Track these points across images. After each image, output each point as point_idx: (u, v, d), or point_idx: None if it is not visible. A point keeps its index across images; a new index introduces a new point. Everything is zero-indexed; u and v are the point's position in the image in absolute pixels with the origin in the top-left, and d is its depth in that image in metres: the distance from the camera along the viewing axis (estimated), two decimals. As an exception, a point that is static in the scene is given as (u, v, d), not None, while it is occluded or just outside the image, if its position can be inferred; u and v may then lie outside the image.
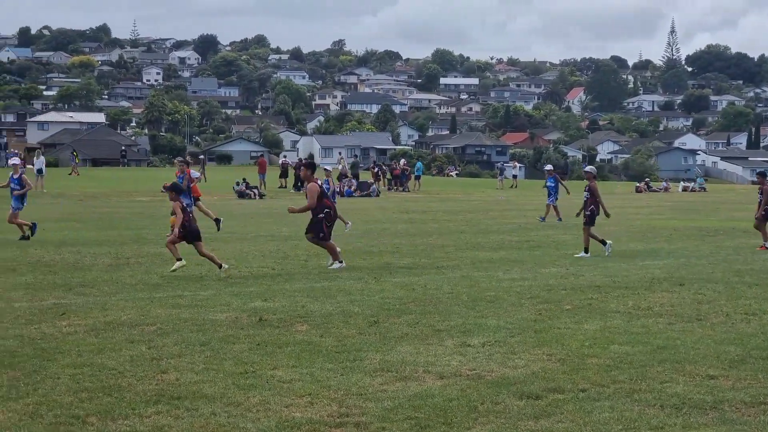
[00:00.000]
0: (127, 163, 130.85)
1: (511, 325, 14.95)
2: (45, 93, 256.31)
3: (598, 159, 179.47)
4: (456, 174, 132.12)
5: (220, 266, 21.26)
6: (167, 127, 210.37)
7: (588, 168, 27.75)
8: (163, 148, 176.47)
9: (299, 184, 68.40)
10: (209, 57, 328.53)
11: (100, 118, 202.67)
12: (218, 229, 31.34)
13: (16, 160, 30.43)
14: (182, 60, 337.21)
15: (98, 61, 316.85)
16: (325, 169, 35.80)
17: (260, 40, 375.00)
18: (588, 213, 26.42)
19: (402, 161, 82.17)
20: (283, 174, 73.12)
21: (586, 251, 25.93)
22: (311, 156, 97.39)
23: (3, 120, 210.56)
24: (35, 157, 66.86)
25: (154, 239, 29.53)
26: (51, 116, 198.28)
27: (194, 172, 34.50)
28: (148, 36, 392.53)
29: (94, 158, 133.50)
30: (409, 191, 72.35)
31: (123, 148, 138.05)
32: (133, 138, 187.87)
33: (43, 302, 17.11)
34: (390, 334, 14.22)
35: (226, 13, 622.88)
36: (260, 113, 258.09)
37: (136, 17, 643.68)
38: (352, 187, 65.59)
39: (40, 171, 62.73)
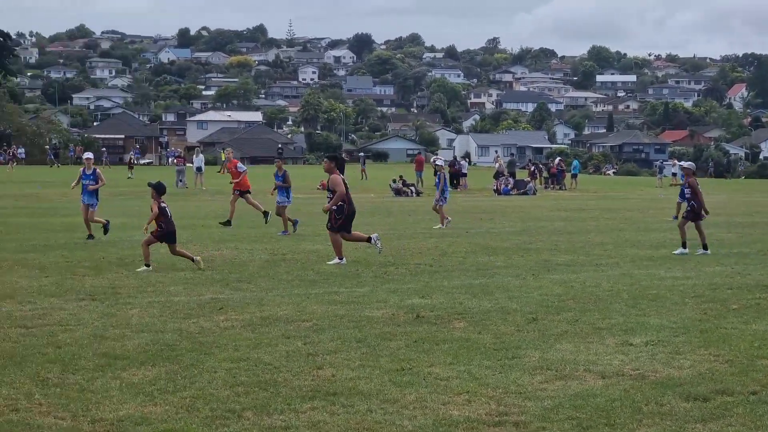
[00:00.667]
0: (285, 161, 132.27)
1: (674, 325, 14.49)
2: (204, 93, 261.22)
3: (761, 157, 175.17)
4: (613, 172, 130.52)
5: (193, 260, 21.35)
6: (323, 126, 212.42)
7: (686, 164, 26.93)
8: (318, 146, 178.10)
9: (454, 182, 68.29)
10: (364, 56, 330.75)
11: (257, 116, 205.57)
12: (266, 222, 32.40)
13: (89, 155, 29.55)
14: (337, 59, 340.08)
15: (255, 60, 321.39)
16: (436, 165, 35.61)
17: (414, 39, 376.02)
18: (689, 208, 25.75)
19: (558, 159, 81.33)
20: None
21: (684, 246, 25.30)
22: (459, 157, 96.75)
23: (164, 119, 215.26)
24: (194, 155, 67.92)
25: (310, 236, 29.61)
26: (210, 115, 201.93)
27: (241, 165, 34.93)
28: (304, 35, 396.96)
29: (252, 156, 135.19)
30: (565, 189, 71.57)
31: (279, 146, 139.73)
32: (289, 136, 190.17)
33: (201, 297, 17.21)
34: (549, 332, 13.91)
35: (381, 12, 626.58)
36: (415, 111, 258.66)
37: (292, 17, 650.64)
38: (509, 185, 65.11)
39: (199, 169, 63.78)
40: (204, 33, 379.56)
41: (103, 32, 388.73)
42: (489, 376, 11.26)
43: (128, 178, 74.14)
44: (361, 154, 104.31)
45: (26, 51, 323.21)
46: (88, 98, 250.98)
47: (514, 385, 10.86)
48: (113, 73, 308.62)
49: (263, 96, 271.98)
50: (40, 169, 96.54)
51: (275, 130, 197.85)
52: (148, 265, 20.97)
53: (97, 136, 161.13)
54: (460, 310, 15.86)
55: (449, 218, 33.98)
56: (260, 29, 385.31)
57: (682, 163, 28.92)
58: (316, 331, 13.99)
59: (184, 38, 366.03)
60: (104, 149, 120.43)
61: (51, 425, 9.15)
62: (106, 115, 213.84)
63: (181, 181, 64.05)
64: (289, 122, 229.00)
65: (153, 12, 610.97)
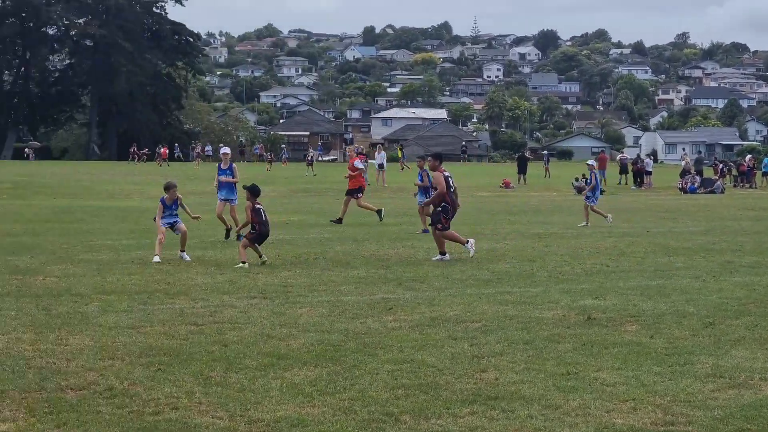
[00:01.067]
0: (468, 158, 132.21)
1: None
2: (389, 90, 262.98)
3: None
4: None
5: (260, 256, 21.55)
6: (507, 123, 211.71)
7: None
8: (503, 144, 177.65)
9: (638, 180, 67.16)
10: (549, 52, 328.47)
11: (441, 114, 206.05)
12: (380, 219, 32.57)
13: (226, 150, 28.75)
14: (522, 56, 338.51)
15: (440, 58, 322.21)
16: (588, 164, 35.18)
17: (601, 35, 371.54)
18: None
19: (748, 157, 79.24)
20: (623, 170, 71.99)
21: None
22: (644, 155, 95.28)
23: (349, 116, 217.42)
24: (377, 152, 68.27)
25: (490, 234, 29.38)
26: (394, 112, 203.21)
27: (358, 162, 34.52)
28: (489, 33, 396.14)
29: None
30: (755, 188, 69.69)
31: (463, 143, 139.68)
32: (474, 134, 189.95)
33: (372, 296, 17.16)
34: (725, 337, 13.41)
35: (567, 8, 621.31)
36: (601, 108, 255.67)
37: (477, 14, 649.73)
38: (696, 184, 63.71)
39: (381, 166, 64.10)
40: (389, 31, 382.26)
41: (290, 31, 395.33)
42: (657, 383, 10.89)
43: (305, 175, 74.96)
44: (545, 152, 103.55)
45: (216, 50, 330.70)
46: (274, 96, 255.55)
47: (684, 393, 10.47)
48: (300, 72, 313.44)
49: (448, 93, 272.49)
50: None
51: (460, 127, 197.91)
52: (244, 262, 21.12)
53: (283, 133, 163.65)
54: (633, 312, 15.46)
55: (609, 215, 33.96)
56: (445, 26, 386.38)
57: None
58: (484, 332, 13.79)
59: (370, 36, 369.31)
60: (283, 146, 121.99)
61: (208, 425, 9.16)
62: (292, 113, 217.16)
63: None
64: (474, 119, 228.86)
65: (339, 11, 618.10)
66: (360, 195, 33.55)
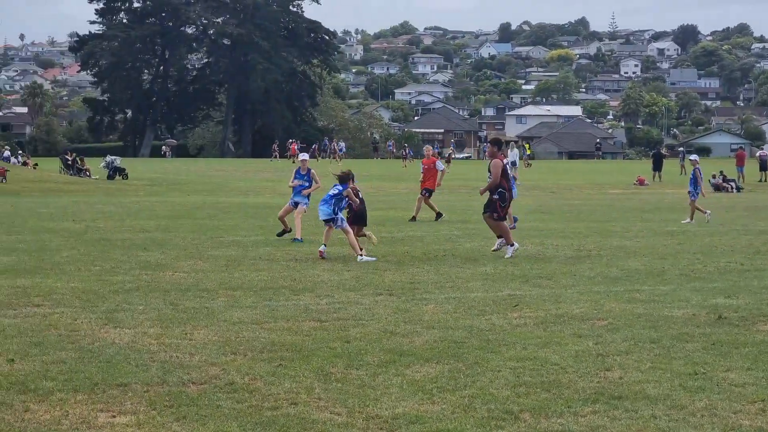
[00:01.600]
0: (602, 155, 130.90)
1: None
2: (523, 87, 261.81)
3: None
4: None
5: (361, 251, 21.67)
6: (644, 120, 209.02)
7: None
8: (639, 141, 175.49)
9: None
10: (689, 48, 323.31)
11: (576, 111, 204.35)
12: (436, 219, 32.41)
13: (304, 156, 27.61)
14: (660, 51, 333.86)
15: (576, 54, 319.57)
16: (691, 159, 35.42)
17: (743, 29, 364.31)
18: None
19: None
20: (762, 167, 70.45)
21: None
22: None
23: (483, 114, 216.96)
24: (509, 150, 67.88)
25: (620, 231, 29.00)
26: (528, 110, 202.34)
27: (439, 164, 34.72)
28: (627, 28, 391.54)
29: (570, 151, 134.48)
30: None
31: (598, 140, 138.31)
32: (609, 131, 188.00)
33: (498, 293, 17.03)
34: None
35: (707, 3, 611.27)
36: (742, 105, 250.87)
37: (615, 10, 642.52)
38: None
39: (513, 163, 63.69)
40: (525, 27, 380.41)
41: (425, 28, 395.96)
42: (788, 385, 10.59)
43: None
44: (681, 148, 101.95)
45: (351, 48, 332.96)
46: (409, 93, 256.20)
47: (816, 394, 10.16)
48: (434, 69, 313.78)
49: (583, 90, 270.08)
50: (360, 162, 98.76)
51: (594, 124, 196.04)
52: (362, 253, 21.57)
53: (417, 130, 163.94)
54: (766, 312, 15.06)
55: (708, 212, 33.31)
56: (582, 22, 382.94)
57: None
58: (610, 330, 13.57)
59: (506, 33, 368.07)
60: (406, 145, 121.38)
61: (326, 420, 9.14)
62: (426, 110, 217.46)
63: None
64: (610, 116, 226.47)
65: (475, 8, 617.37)
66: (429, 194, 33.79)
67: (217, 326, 13.58)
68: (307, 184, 26.17)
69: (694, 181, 33.26)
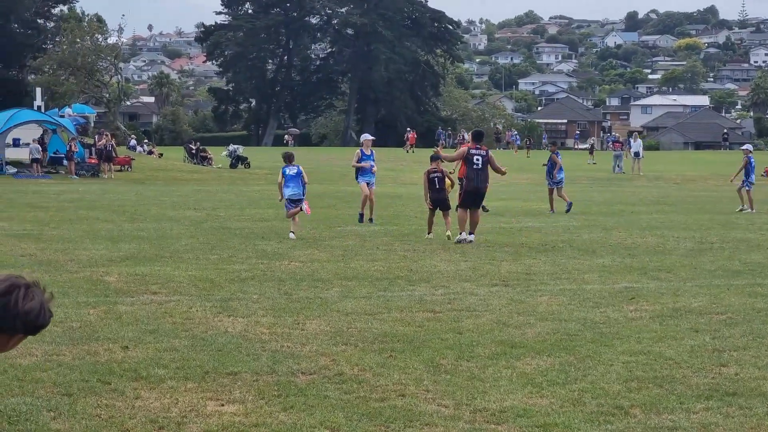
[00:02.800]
0: (730, 146, 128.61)
1: None
2: (649, 76, 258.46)
3: None
4: None
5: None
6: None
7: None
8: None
9: None
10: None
11: (703, 100, 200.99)
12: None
13: (366, 136, 29.72)
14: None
15: (704, 43, 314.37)
16: (743, 149, 35.82)
17: None
18: None
19: None
20: None
21: None
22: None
23: (608, 104, 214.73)
24: (633, 140, 67.06)
25: (744, 224, 28.48)
26: (654, 99, 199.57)
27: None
28: (758, 16, 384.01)
29: (696, 141, 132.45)
30: None
31: (725, 131, 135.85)
32: (738, 121, 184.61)
33: (615, 285, 16.84)
34: None
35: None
36: None
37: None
38: None
39: (637, 154, 62.93)
40: (652, 16, 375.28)
41: (550, 17, 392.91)
42: None
43: (588, 163, 74.10)
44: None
45: (475, 38, 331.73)
46: (533, 83, 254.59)
47: None
48: (559, 58, 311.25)
49: (711, 80, 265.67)
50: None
51: (722, 114, 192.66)
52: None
53: (540, 120, 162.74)
54: None
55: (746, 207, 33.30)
56: (711, 10, 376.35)
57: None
58: (729, 325, 13.31)
59: (632, 21, 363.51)
60: (515, 132, 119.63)
61: (433, 412, 9.11)
62: (550, 100, 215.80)
63: (618, 166, 63.46)
64: (738, 106, 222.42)
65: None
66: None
67: (330, 316, 13.62)
68: (372, 163, 28.19)
69: (746, 171, 33.02)
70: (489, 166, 22.91)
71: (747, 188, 33.11)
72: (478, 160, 22.66)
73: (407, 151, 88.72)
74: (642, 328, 12.99)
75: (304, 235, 24.23)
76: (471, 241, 22.41)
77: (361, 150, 28.70)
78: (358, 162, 28.34)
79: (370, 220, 27.79)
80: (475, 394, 9.71)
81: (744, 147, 35.62)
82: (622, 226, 27.43)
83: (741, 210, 32.77)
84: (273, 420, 8.86)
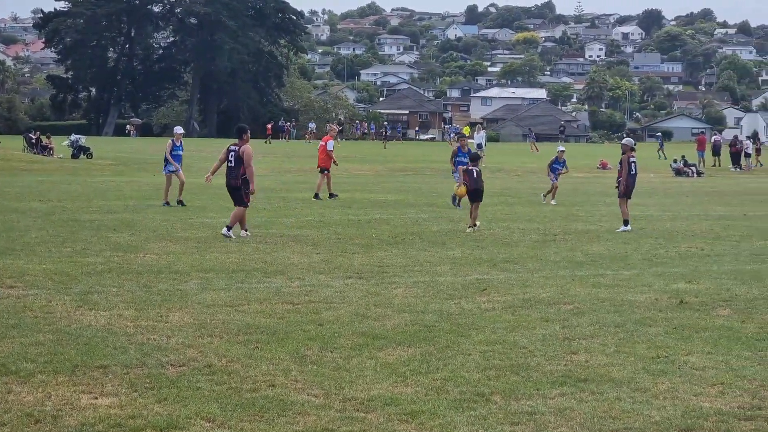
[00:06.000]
0: (566, 138, 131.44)
1: None
2: (489, 69, 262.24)
3: None
4: None
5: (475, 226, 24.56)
6: (607, 103, 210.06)
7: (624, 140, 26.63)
8: (602, 124, 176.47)
9: (737, 162, 66.28)
10: (653, 32, 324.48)
11: (541, 93, 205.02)
12: (316, 198, 33.16)
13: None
14: (625, 35, 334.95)
15: (542, 37, 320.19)
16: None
17: (706, 14, 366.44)
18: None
19: None
20: (715, 152, 70.77)
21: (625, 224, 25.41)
22: (745, 137, 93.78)
23: (449, 95, 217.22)
24: (476, 132, 68.23)
25: (584, 216, 29.39)
26: (494, 92, 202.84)
27: (330, 144, 34.74)
28: (592, 12, 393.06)
29: (535, 133, 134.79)
30: None
31: (562, 123, 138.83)
32: (573, 114, 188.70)
33: (466, 277, 17.36)
34: (818, 323, 13.42)
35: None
36: (703, 89, 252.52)
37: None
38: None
39: (479, 145, 63.95)
40: (492, 9, 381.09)
41: (393, 9, 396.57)
42: (747, 368, 10.98)
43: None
44: (659, 133, 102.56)
45: (318, 28, 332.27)
46: (375, 74, 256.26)
47: (773, 378, 10.56)
48: (401, 50, 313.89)
49: (548, 73, 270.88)
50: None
51: (559, 107, 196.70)
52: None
53: (382, 111, 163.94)
54: (726, 296, 15.49)
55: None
56: (548, 5, 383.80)
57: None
58: (576, 314, 13.93)
59: (472, 15, 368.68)
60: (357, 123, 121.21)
61: (304, 402, 9.43)
62: (392, 91, 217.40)
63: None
64: (574, 99, 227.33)
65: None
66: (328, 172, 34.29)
67: (192, 308, 13.82)
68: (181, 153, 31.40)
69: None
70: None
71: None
72: (232, 156, 22.40)
73: (266, 143, 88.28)
74: (496, 319, 13.51)
75: (155, 226, 24.25)
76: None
77: (173, 141, 30.93)
78: (171, 153, 30.58)
79: (180, 202, 29.99)
80: (343, 383, 10.06)
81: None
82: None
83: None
84: (148, 412, 9.05)
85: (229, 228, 22.27)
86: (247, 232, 22.57)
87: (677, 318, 13.67)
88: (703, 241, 23.41)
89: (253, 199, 23.12)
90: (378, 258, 19.52)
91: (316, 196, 33.39)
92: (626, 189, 25.38)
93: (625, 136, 78.85)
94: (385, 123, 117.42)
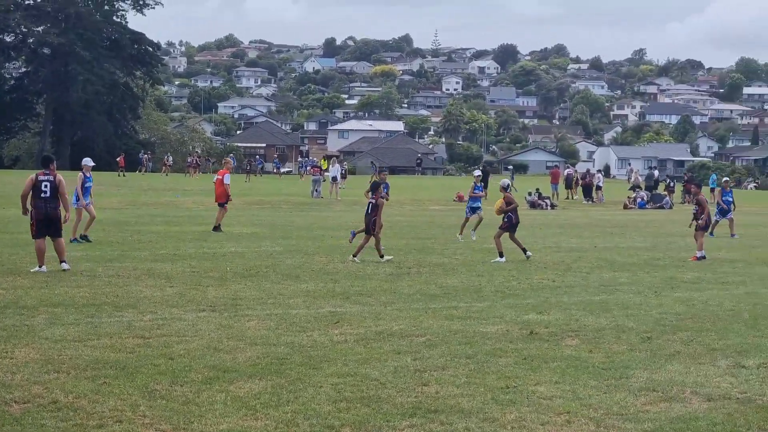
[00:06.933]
0: (423, 171, 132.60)
1: (793, 347, 14.18)
2: (347, 102, 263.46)
3: None
4: (755, 186, 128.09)
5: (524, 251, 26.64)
6: (464, 136, 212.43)
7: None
8: (459, 157, 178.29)
9: (588, 194, 67.65)
10: (508, 66, 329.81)
11: (398, 126, 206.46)
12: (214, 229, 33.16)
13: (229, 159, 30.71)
14: (481, 69, 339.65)
15: (400, 70, 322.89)
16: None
17: (560, 50, 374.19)
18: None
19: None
20: (568, 185, 72.30)
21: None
22: (595, 170, 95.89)
23: (306, 128, 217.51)
24: (332, 165, 68.40)
25: (439, 248, 29.65)
26: (351, 124, 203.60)
27: (227, 177, 35.05)
28: (449, 46, 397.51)
29: (391, 166, 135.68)
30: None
31: (418, 156, 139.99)
32: (430, 146, 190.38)
33: (320, 310, 17.37)
34: (661, 352, 13.78)
35: (527, 22, 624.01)
36: (557, 123, 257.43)
37: (438, 27, 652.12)
38: (645, 199, 64.27)
39: (334, 179, 64.12)
40: (350, 43, 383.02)
41: (250, 42, 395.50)
42: (593, 396, 11.19)
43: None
44: (510, 166, 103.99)
45: (175, 60, 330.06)
46: (232, 107, 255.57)
47: (617, 406, 10.78)
48: (259, 82, 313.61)
49: (406, 106, 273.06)
50: (183, 177, 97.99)
51: (416, 140, 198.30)
52: (501, 255, 26.21)
53: (240, 144, 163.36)
54: (575, 327, 15.79)
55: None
56: (406, 39, 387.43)
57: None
58: (428, 346, 14.04)
59: (330, 48, 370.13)
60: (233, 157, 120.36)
61: (151, 437, 9.35)
62: (249, 124, 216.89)
63: (316, 191, 64.33)
64: (431, 132, 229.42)
65: (300, 22, 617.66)
66: (225, 206, 34.66)
67: (39, 344, 13.58)
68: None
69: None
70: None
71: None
72: (46, 187, 22.26)
73: (119, 176, 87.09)
74: (348, 351, 13.55)
75: (1, 261, 23.76)
76: None
77: (83, 173, 29.36)
78: (82, 186, 29.14)
79: (85, 237, 29.03)
80: (192, 418, 9.99)
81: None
82: (323, 251, 28.11)
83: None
84: (-9, 449, 8.90)
85: (64, 261, 22.17)
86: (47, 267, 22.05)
87: (527, 349, 13.88)
88: (554, 272, 23.82)
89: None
90: (232, 291, 19.44)
91: (216, 228, 33.36)
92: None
93: (481, 168, 79.88)
94: (256, 156, 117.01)
